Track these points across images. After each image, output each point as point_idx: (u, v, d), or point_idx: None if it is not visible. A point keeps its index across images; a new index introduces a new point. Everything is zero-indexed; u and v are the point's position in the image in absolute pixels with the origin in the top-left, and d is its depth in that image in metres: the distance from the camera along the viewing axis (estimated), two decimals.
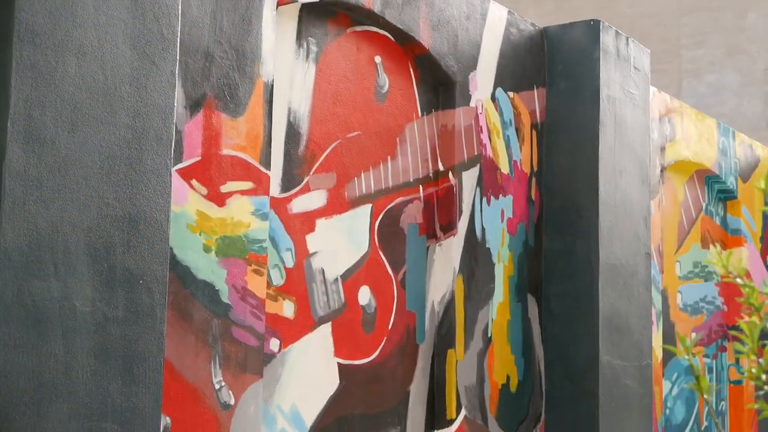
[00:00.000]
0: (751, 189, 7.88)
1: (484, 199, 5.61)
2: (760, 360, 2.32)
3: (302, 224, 4.72)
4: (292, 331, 4.63)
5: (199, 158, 4.18)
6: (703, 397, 2.31)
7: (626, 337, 5.97)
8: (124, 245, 3.58)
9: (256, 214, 4.36)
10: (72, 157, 3.48)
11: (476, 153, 5.58)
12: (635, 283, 6.09)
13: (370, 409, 4.97)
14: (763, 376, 2.30)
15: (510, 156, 5.84)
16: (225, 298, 4.20)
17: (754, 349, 2.30)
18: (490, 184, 5.65)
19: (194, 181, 4.14)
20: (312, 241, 4.76)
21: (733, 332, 2.47)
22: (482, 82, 5.66)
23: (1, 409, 3.25)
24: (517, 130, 5.90)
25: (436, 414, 5.31)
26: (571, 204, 5.95)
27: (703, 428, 7.26)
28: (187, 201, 4.11)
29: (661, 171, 6.93)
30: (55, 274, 3.39)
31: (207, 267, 4.15)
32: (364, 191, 5.04)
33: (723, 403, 7.59)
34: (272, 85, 4.48)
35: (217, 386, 4.16)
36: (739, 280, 2.40)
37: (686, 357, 2.34)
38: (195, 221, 4.13)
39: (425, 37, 5.30)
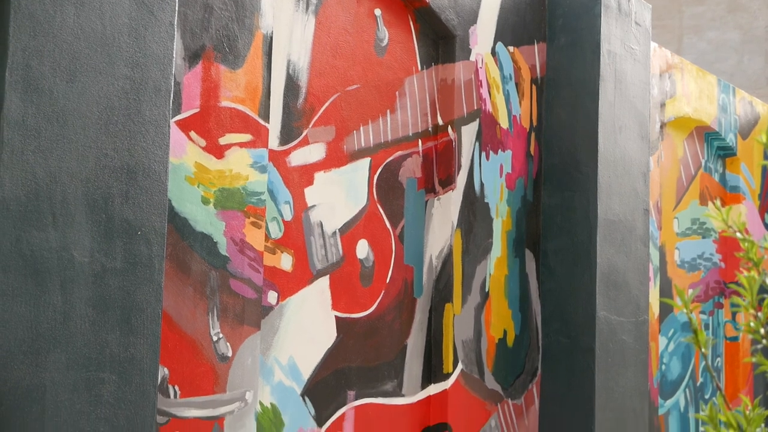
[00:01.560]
0: (750, 146, 7.88)
1: (483, 154, 5.60)
2: (759, 314, 2.32)
3: (301, 177, 4.72)
4: (290, 283, 4.63)
5: (198, 110, 4.17)
6: (700, 351, 2.32)
7: (623, 293, 5.99)
8: (122, 196, 3.57)
9: (255, 167, 4.35)
10: (70, 107, 3.47)
11: (476, 107, 5.56)
12: (633, 239, 6.10)
13: (367, 362, 4.99)
14: (762, 330, 2.31)
15: (509, 111, 5.82)
16: (223, 251, 4.21)
17: (753, 303, 2.30)
18: (489, 138, 5.64)
19: (193, 133, 4.13)
20: (310, 194, 4.76)
21: (732, 286, 2.48)
22: (482, 36, 5.63)
23: None
24: (516, 84, 5.88)
25: (433, 367, 5.33)
26: (570, 159, 5.95)
27: (698, 384, 7.30)
28: (185, 153, 4.10)
29: (661, 127, 6.92)
30: (53, 225, 3.39)
31: (205, 219, 4.15)
32: (363, 145, 5.03)
33: (719, 359, 7.63)
34: (271, 38, 4.46)
35: (214, 338, 4.17)
36: (738, 235, 2.40)
37: (684, 311, 2.35)
38: (193, 173, 4.12)
39: None
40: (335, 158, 4.89)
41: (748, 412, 2.36)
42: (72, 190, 3.45)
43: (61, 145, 3.44)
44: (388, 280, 5.13)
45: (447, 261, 5.36)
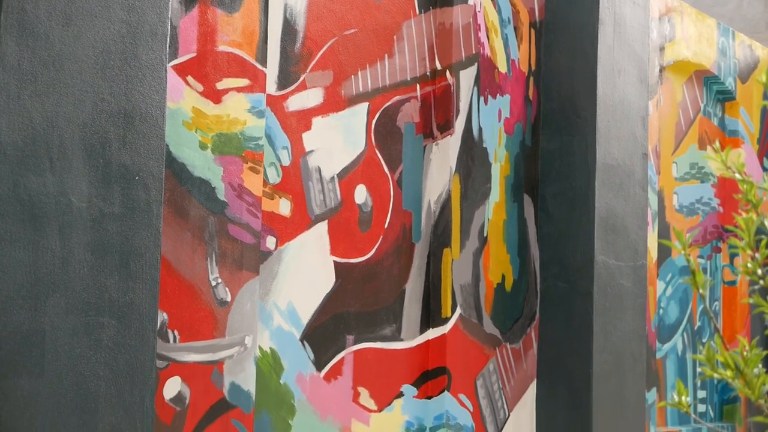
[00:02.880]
0: (749, 90, 7.85)
1: (482, 99, 5.58)
2: (756, 255, 2.32)
3: (298, 122, 4.70)
4: (288, 229, 4.63)
5: (195, 54, 4.14)
6: (698, 292, 2.32)
7: (621, 238, 5.99)
8: (119, 141, 3.56)
9: (252, 112, 4.33)
10: (66, 51, 3.45)
11: (474, 52, 5.53)
12: (631, 184, 6.09)
13: (366, 306, 5.00)
14: (759, 271, 2.31)
15: (508, 55, 5.79)
16: (221, 196, 4.20)
17: (750, 243, 2.30)
18: (487, 83, 5.62)
19: (190, 78, 4.11)
20: (308, 140, 4.75)
21: (729, 227, 2.46)
22: None
23: None
24: (515, 28, 5.85)
25: (431, 312, 5.35)
26: (569, 104, 5.93)
27: (696, 328, 7.33)
28: (182, 98, 4.08)
29: (660, 71, 6.89)
30: (50, 169, 3.38)
31: (203, 164, 4.14)
32: (360, 89, 5.01)
33: (716, 303, 7.65)
34: None
35: (213, 283, 4.18)
36: (737, 176, 2.39)
37: (683, 254, 2.35)
38: (191, 118, 4.10)
39: None
40: (333, 103, 4.88)
41: (745, 353, 2.36)
42: (69, 135, 3.44)
43: (57, 89, 3.42)
44: (386, 225, 5.13)
45: (445, 206, 5.36)
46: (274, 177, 4.57)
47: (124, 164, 3.57)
